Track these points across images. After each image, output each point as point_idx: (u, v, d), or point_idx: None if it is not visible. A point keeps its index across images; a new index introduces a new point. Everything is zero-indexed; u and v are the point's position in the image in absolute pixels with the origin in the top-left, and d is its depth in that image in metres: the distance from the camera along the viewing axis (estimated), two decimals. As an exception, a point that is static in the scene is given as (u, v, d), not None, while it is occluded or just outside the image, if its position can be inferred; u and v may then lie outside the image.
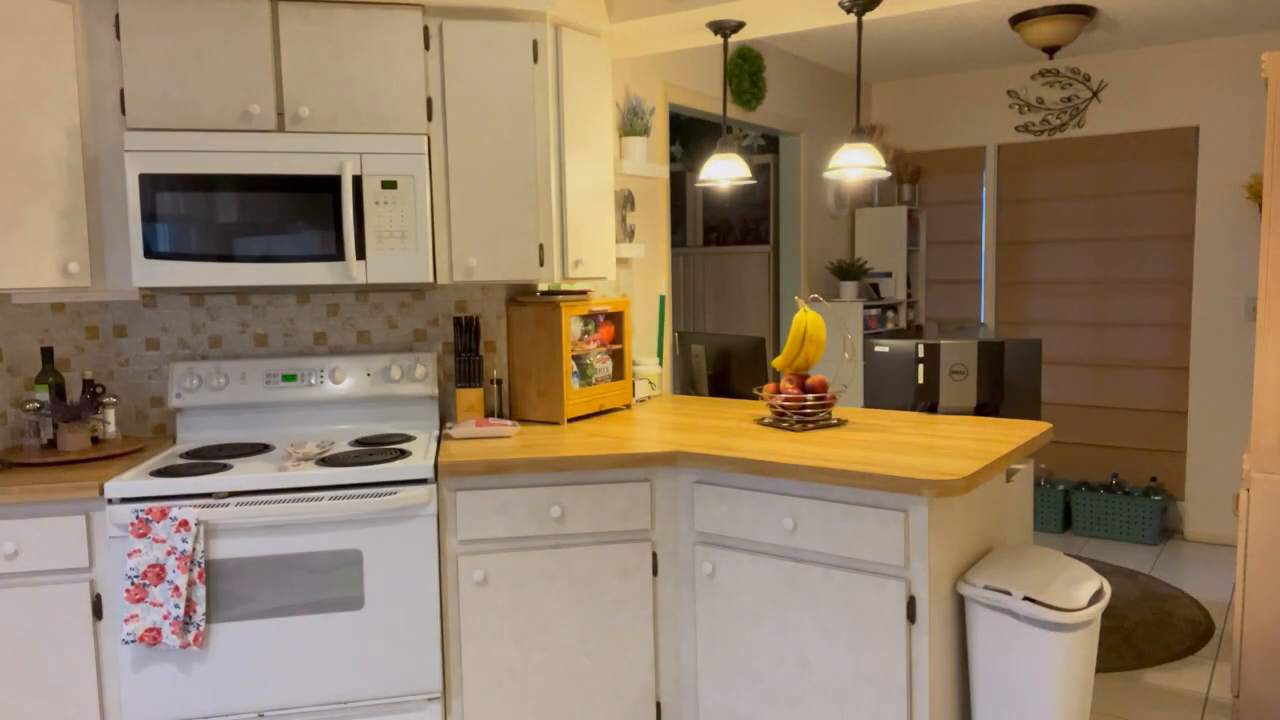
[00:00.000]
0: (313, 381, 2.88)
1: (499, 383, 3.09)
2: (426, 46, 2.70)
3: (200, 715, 2.36)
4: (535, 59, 2.78)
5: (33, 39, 2.41)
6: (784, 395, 2.84)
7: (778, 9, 3.02)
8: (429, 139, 2.71)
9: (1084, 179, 5.28)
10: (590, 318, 3.16)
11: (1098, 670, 3.38)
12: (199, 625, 2.29)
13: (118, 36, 2.51)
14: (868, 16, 2.98)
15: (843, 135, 3.10)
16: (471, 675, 2.51)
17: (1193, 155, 4.93)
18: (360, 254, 2.60)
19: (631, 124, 3.68)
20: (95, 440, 2.71)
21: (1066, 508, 5.22)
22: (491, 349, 3.16)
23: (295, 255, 2.56)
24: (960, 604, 2.37)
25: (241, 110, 2.57)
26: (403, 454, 2.55)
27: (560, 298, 2.98)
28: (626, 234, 3.67)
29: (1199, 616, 3.89)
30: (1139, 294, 5.16)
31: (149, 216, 2.48)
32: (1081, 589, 2.25)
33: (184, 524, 2.26)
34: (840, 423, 2.87)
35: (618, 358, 3.26)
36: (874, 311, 5.43)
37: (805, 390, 2.84)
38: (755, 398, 3.45)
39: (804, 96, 5.15)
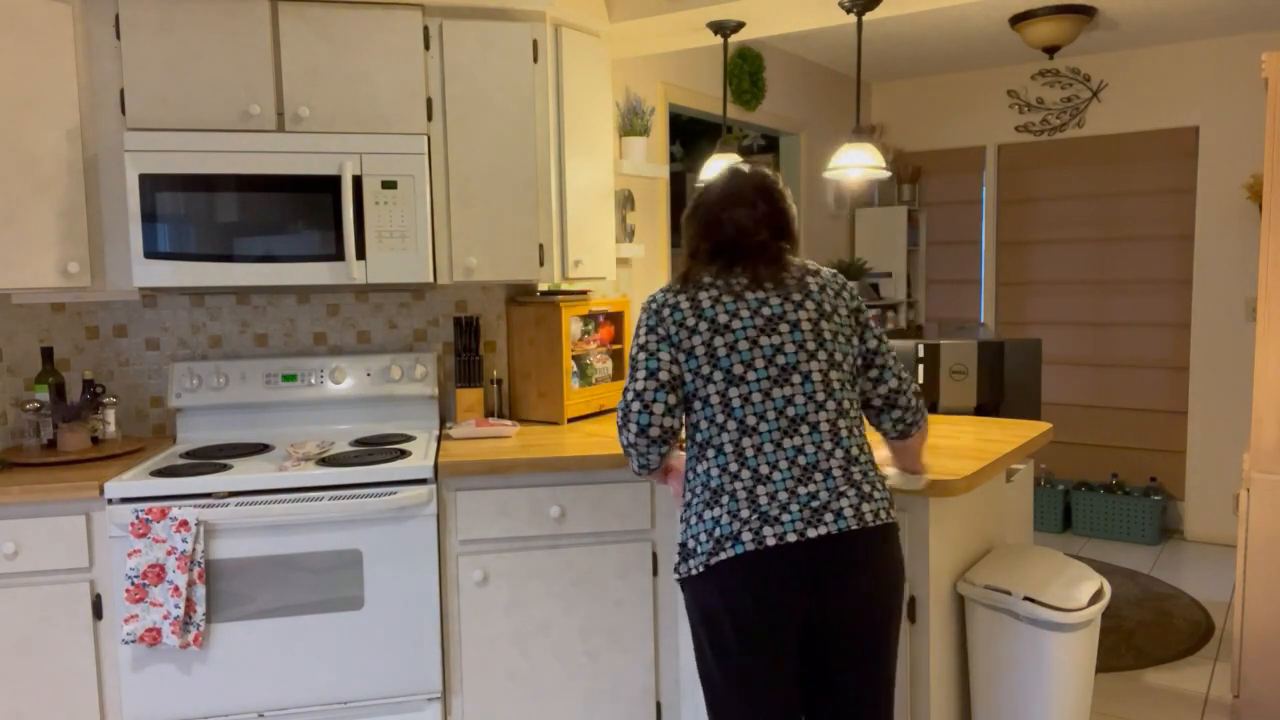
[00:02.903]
0: (313, 381, 2.88)
1: (499, 383, 3.09)
2: (426, 46, 2.70)
3: (200, 715, 2.36)
4: (535, 59, 2.78)
5: (33, 39, 2.41)
6: (784, 395, 2.83)
7: (778, 9, 3.02)
8: (429, 139, 2.71)
9: (1084, 179, 5.28)
10: (590, 318, 3.16)
11: (1098, 670, 3.38)
12: (199, 625, 2.29)
13: (118, 36, 2.51)
14: (868, 16, 2.98)
15: (843, 135, 3.10)
16: (471, 675, 2.51)
17: (1193, 155, 4.93)
18: (360, 254, 2.60)
19: (631, 124, 3.68)
20: (95, 440, 2.71)
21: (1066, 508, 5.22)
22: (491, 349, 3.16)
23: (295, 255, 2.56)
24: (960, 604, 2.37)
25: (241, 110, 2.57)
26: (403, 454, 2.55)
27: (560, 298, 2.98)
28: (626, 234, 3.67)
29: (1199, 616, 3.89)
30: (1139, 294, 5.16)
31: (149, 216, 2.48)
32: (1081, 589, 2.25)
33: (184, 524, 2.26)
34: (840, 423, 2.87)
35: (618, 358, 3.25)
36: (874, 311, 5.43)
37: (805, 390, 2.83)
38: (755, 398, 3.44)
39: (804, 96, 5.15)
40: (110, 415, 2.73)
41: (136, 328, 2.89)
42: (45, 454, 2.55)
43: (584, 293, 3.12)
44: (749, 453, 1.74)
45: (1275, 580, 2.80)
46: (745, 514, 1.71)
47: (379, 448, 2.64)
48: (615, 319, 3.26)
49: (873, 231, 5.74)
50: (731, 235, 1.85)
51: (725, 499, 1.73)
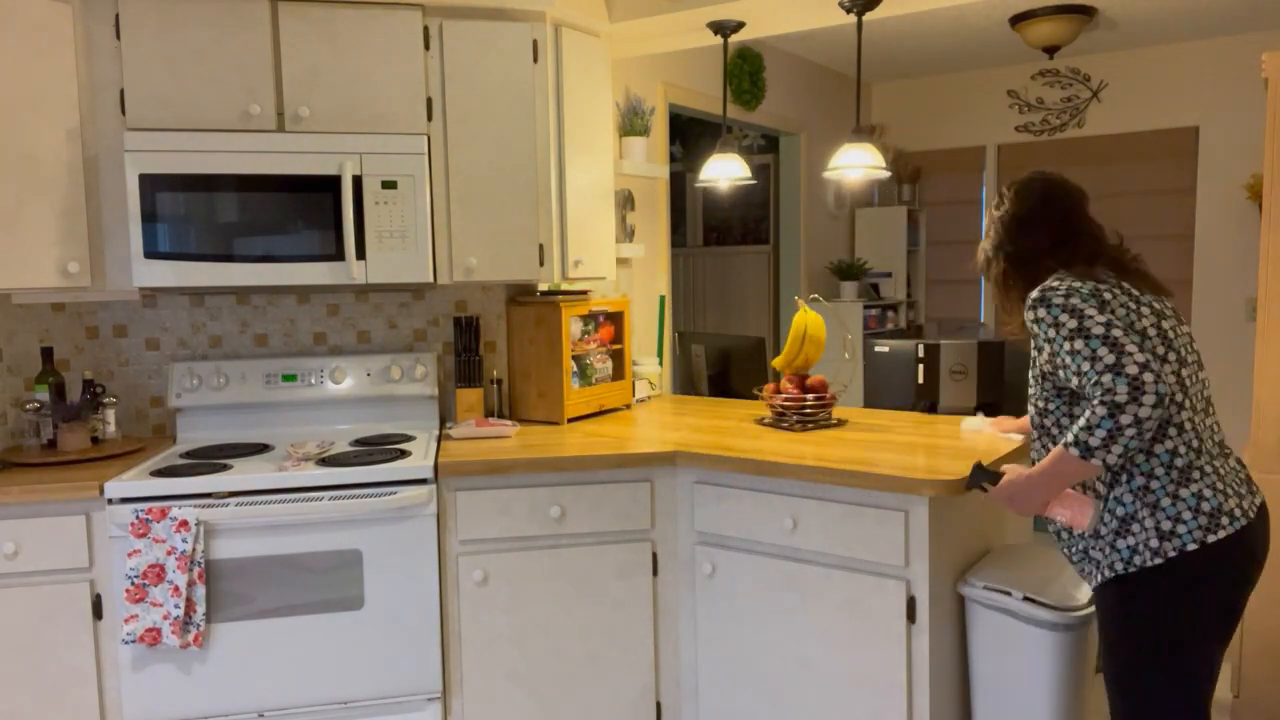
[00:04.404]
0: (313, 381, 2.88)
1: (499, 383, 3.09)
2: (426, 46, 2.70)
3: (200, 715, 2.36)
4: (535, 59, 2.78)
5: (33, 39, 2.41)
6: (784, 395, 2.84)
7: (778, 9, 3.02)
8: (429, 139, 2.71)
9: (1084, 179, 5.24)
10: (590, 318, 3.16)
11: (1097, 670, 3.37)
12: (199, 625, 2.29)
13: (118, 36, 2.51)
14: (868, 16, 2.98)
15: (843, 135, 3.10)
16: (471, 675, 2.51)
17: (1193, 155, 4.93)
18: (360, 254, 2.60)
19: (631, 124, 3.68)
20: (95, 440, 2.70)
21: (1066, 508, 5.20)
22: (491, 349, 3.16)
23: (295, 255, 2.56)
24: (960, 604, 2.37)
25: (241, 110, 2.57)
26: (403, 454, 2.55)
27: (560, 298, 2.98)
28: (626, 234, 3.67)
29: (1199, 616, 3.88)
30: (1139, 294, 5.15)
31: (149, 216, 2.48)
32: (1081, 589, 2.25)
33: (184, 524, 2.26)
34: (840, 423, 2.87)
35: (618, 358, 3.25)
36: (874, 311, 5.43)
37: (805, 390, 2.84)
38: (755, 398, 3.45)
39: (804, 96, 5.15)
40: (110, 415, 2.73)
41: (136, 328, 2.89)
42: (45, 454, 2.55)
43: (584, 293, 3.12)
44: (1201, 429, 1.81)
45: (1275, 580, 2.80)
46: (1220, 486, 1.77)
47: (379, 448, 2.64)
48: (615, 319, 3.26)
49: (873, 231, 5.74)
50: (1110, 245, 1.96)
51: (1197, 474, 1.77)
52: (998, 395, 3.58)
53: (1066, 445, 1.73)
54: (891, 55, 5.14)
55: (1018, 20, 4.28)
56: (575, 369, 3.08)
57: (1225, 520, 1.75)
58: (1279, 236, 2.78)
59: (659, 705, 2.63)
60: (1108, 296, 1.80)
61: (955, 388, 3.57)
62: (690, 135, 5.92)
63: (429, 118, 2.72)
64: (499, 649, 2.52)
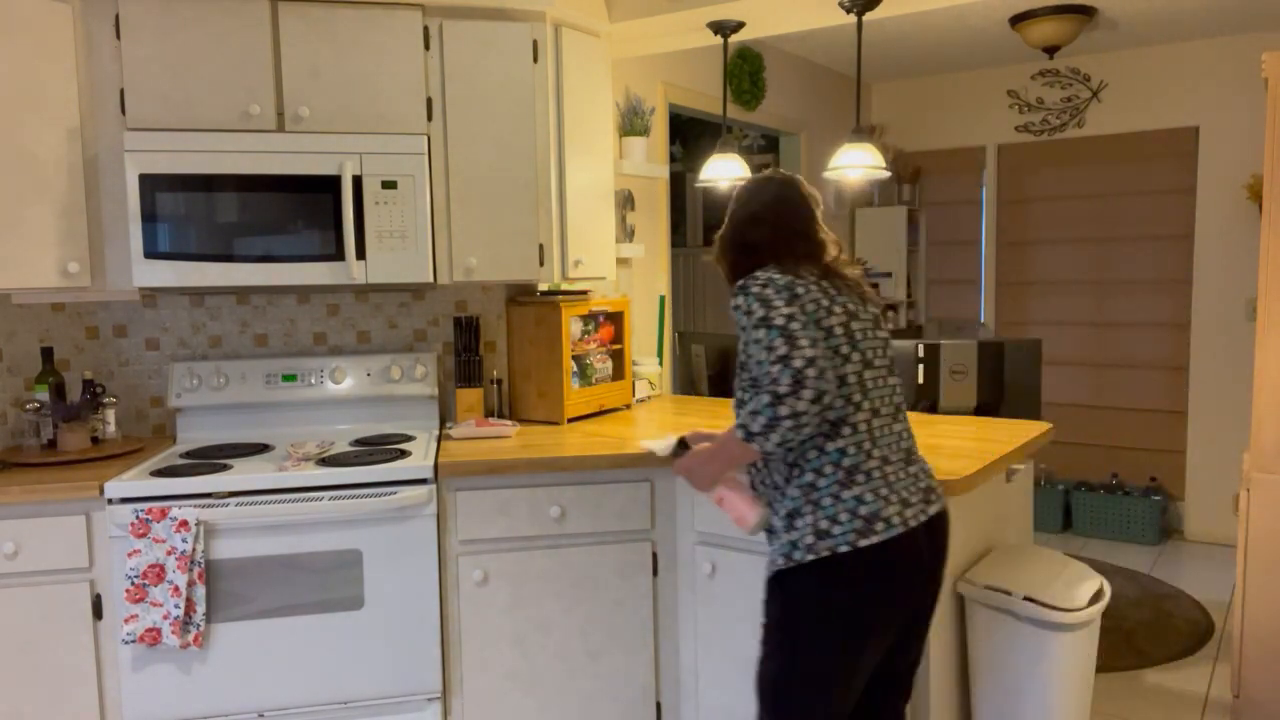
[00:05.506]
0: (313, 381, 2.88)
1: (499, 383, 3.09)
2: (426, 46, 2.70)
3: (200, 715, 2.36)
4: (535, 59, 2.78)
5: (33, 39, 2.41)
6: (784, 395, 2.83)
7: (778, 9, 3.02)
8: (429, 139, 2.71)
9: (1084, 179, 5.28)
10: (590, 318, 3.16)
11: (1098, 670, 3.37)
12: (199, 625, 2.29)
13: (118, 36, 2.51)
14: (868, 16, 2.98)
15: (843, 135, 3.10)
16: (471, 675, 2.51)
17: (1193, 155, 4.93)
18: (360, 254, 2.60)
19: (631, 124, 3.68)
20: (95, 440, 2.70)
21: (1066, 508, 5.22)
22: (491, 349, 3.16)
23: (295, 255, 2.56)
24: (960, 604, 2.37)
25: (241, 110, 2.57)
26: (403, 454, 2.55)
27: (560, 298, 2.98)
28: (626, 234, 3.67)
29: (1199, 616, 3.89)
30: (1139, 294, 5.16)
31: (149, 216, 2.48)
32: (1081, 589, 2.25)
33: (184, 524, 2.26)
34: (840, 423, 2.87)
35: (618, 358, 3.25)
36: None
37: (805, 390, 2.83)
38: (755, 398, 3.45)
39: (804, 96, 5.15)
40: (110, 415, 2.73)
41: (136, 328, 2.89)
42: (45, 454, 2.55)
43: (584, 293, 3.12)
44: (877, 433, 1.84)
45: (1275, 580, 2.80)
46: (884, 492, 1.79)
47: (379, 448, 2.64)
48: (615, 319, 3.26)
49: (873, 231, 5.74)
50: (819, 245, 1.96)
51: (862, 477, 1.79)
52: (997, 395, 3.59)
53: (735, 427, 1.76)
54: (891, 55, 5.14)
55: (1018, 20, 4.28)
56: (575, 369, 3.08)
57: (880, 526, 1.76)
58: (1279, 236, 2.78)
59: (659, 705, 2.63)
60: (800, 290, 1.80)
61: (955, 388, 3.57)
62: (690, 135, 5.92)
63: (429, 118, 2.72)
64: (499, 649, 2.52)
